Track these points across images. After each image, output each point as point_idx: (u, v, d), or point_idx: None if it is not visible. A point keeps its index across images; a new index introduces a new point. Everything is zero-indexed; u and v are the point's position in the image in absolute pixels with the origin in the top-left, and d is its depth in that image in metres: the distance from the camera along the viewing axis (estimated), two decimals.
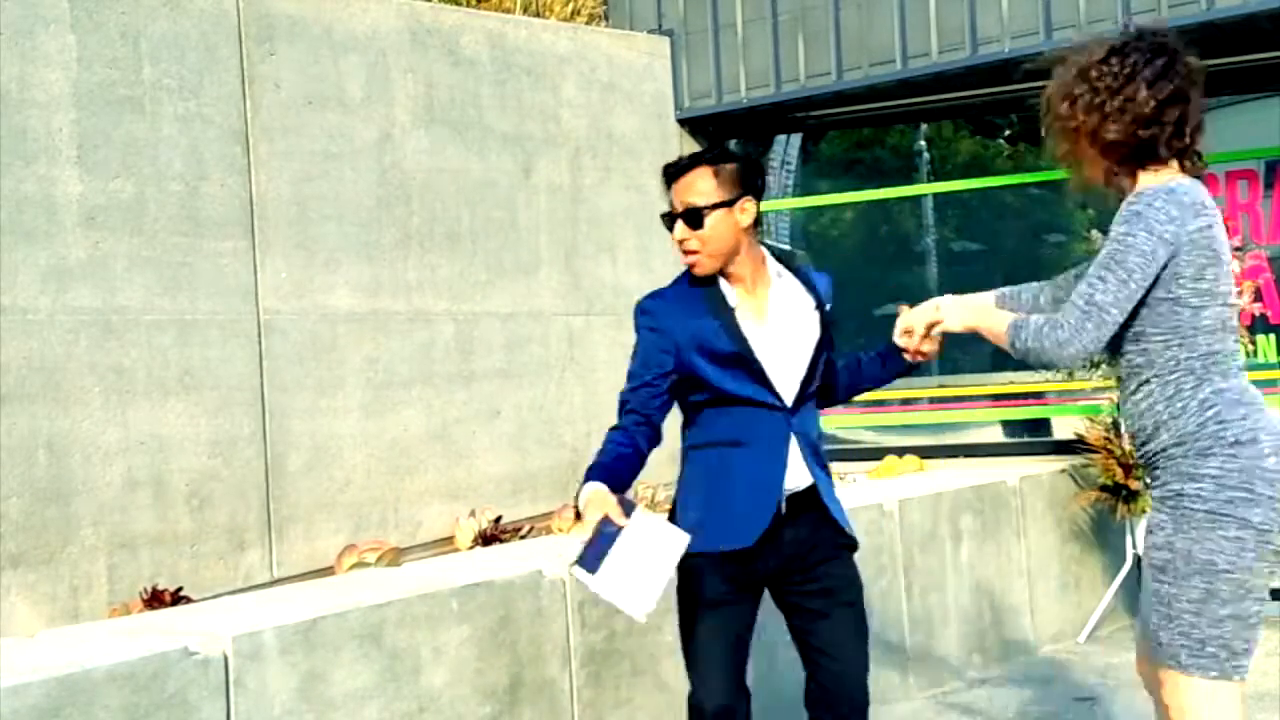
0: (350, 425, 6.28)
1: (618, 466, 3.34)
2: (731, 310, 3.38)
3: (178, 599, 5.25)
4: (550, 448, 7.11)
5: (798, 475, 3.40)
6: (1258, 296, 6.81)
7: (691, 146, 8.12)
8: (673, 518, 3.45)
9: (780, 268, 3.47)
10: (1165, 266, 2.87)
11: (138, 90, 5.66)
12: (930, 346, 3.44)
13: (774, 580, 3.47)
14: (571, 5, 8.21)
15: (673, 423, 3.49)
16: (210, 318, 5.82)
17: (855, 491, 6.47)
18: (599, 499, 3.21)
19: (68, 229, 5.41)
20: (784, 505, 3.39)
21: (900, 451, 7.68)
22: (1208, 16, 6.48)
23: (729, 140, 8.43)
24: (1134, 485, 6.64)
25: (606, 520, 3.15)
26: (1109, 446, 6.75)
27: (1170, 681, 2.94)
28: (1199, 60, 3.09)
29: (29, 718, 3.08)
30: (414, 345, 6.58)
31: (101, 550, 5.41)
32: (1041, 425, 7.99)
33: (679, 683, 4.80)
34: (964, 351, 8.08)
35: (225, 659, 3.52)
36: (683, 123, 8.11)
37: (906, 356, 3.50)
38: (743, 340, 3.36)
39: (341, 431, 6.23)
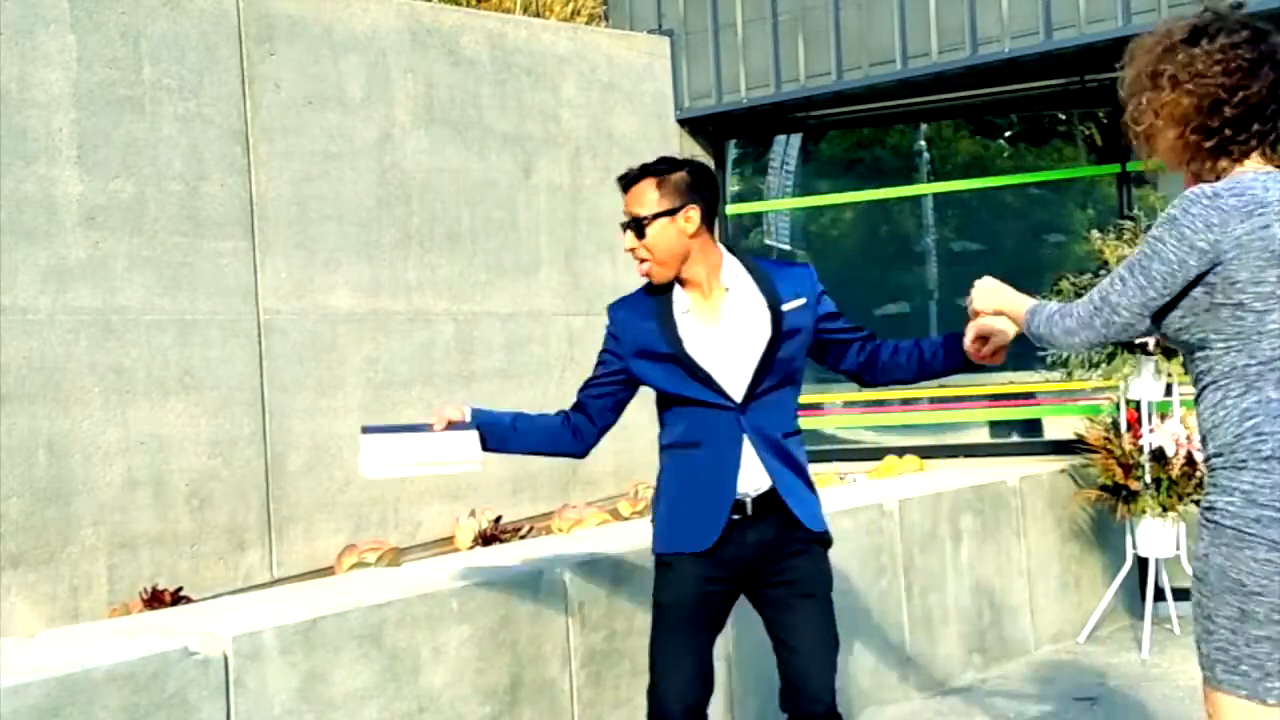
0: (350, 425, 6.27)
1: (517, 420, 3.72)
2: (672, 313, 3.52)
3: (178, 599, 5.25)
4: None
5: (754, 477, 3.48)
6: None
7: (691, 146, 8.14)
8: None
9: (740, 269, 3.54)
10: (1208, 274, 2.72)
11: (138, 90, 5.66)
12: (998, 358, 3.45)
13: (745, 579, 3.54)
14: (571, 5, 8.21)
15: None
16: (210, 318, 5.82)
17: (855, 491, 6.47)
18: (454, 409, 3.62)
19: (68, 229, 5.41)
20: (749, 507, 3.48)
21: (900, 451, 7.68)
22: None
23: (729, 140, 8.44)
24: (1134, 485, 6.64)
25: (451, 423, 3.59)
26: (1109, 446, 6.75)
27: (1206, 693, 2.88)
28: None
29: (29, 718, 3.08)
30: (414, 345, 6.58)
31: (101, 550, 5.41)
32: (1041, 425, 7.99)
33: None
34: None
35: (225, 659, 3.52)
36: (683, 123, 8.11)
37: (972, 357, 3.47)
38: (678, 342, 3.49)
39: (341, 431, 6.23)
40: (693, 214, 3.49)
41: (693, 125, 8.15)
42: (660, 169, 3.53)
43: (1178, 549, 6.68)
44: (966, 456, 7.69)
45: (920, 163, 8.42)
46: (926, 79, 7.54)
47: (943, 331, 3.74)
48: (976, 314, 3.35)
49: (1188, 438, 6.55)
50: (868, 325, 3.78)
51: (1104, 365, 6.57)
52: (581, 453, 3.72)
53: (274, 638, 3.64)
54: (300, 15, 6.25)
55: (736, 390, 3.48)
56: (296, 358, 6.10)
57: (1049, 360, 7.00)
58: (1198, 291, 2.75)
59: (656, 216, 3.48)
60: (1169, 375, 6.57)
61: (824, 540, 3.57)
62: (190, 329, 5.74)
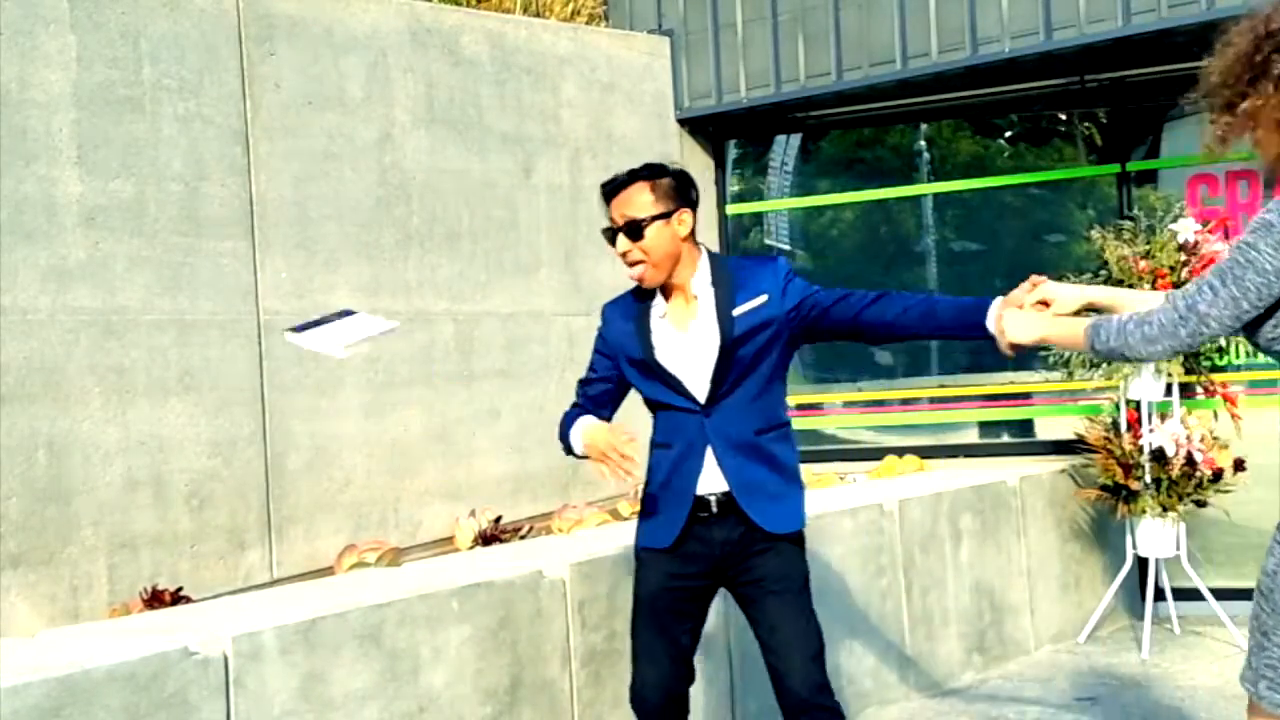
0: (350, 425, 6.28)
1: (586, 410, 3.69)
2: (649, 318, 3.61)
3: (178, 599, 5.25)
4: (550, 448, 7.03)
5: (716, 479, 3.55)
6: None
7: (691, 146, 8.14)
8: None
9: (708, 276, 3.59)
10: None
11: (138, 90, 5.66)
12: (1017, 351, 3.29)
13: (715, 575, 3.62)
14: (571, 5, 8.21)
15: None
16: (210, 318, 5.82)
17: (855, 491, 6.47)
18: (596, 428, 3.55)
19: (68, 229, 5.40)
20: (713, 506, 3.55)
21: (900, 451, 7.68)
22: (1208, 16, 6.47)
23: (729, 140, 8.44)
24: (1134, 485, 6.64)
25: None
26: (1109, 446, 6.75)
27: (1250, 703, 2.86)
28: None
29: (29, 718, 3.08)
30: (414, 345, 6.58)
31: (101, 550, 5.40)
32: (1041, 425, 7.98)
33: None
34: (964, 352, 8.08)
35: (225, 659, 3.52)
36: (683, 123, 8.11)
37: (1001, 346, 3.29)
38: (649, 348, 3.59)
39: (341, 432, 6.23)
40: (685, 218, 3.58)
41: (693, 125, 8.15)
42: (651, 174, 3.58)
43: (1178, 549, 6.68)
44: (966, 456, 7.69)
45: (920, 163, 8.42)
46: (926, 79, 7.54)
47: None
48: (1013, 347, 3.19)
49: (1188, 438, 6.56)
50: None
51: (1104, 365, 6.57)
52: None
53: (274, 638, 3.64)
54: (300, 15, 6.25)
55: (700, 393, 3.55)
56: (296, 358, 6.10)
57: (1049, 360, 7.00)
58: None
59: (654, 219, 3.54)
60: (1169, 375, 6.57)
61: (793, 538, 3.59)
62: (190, 329, 5.74)
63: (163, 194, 5.71)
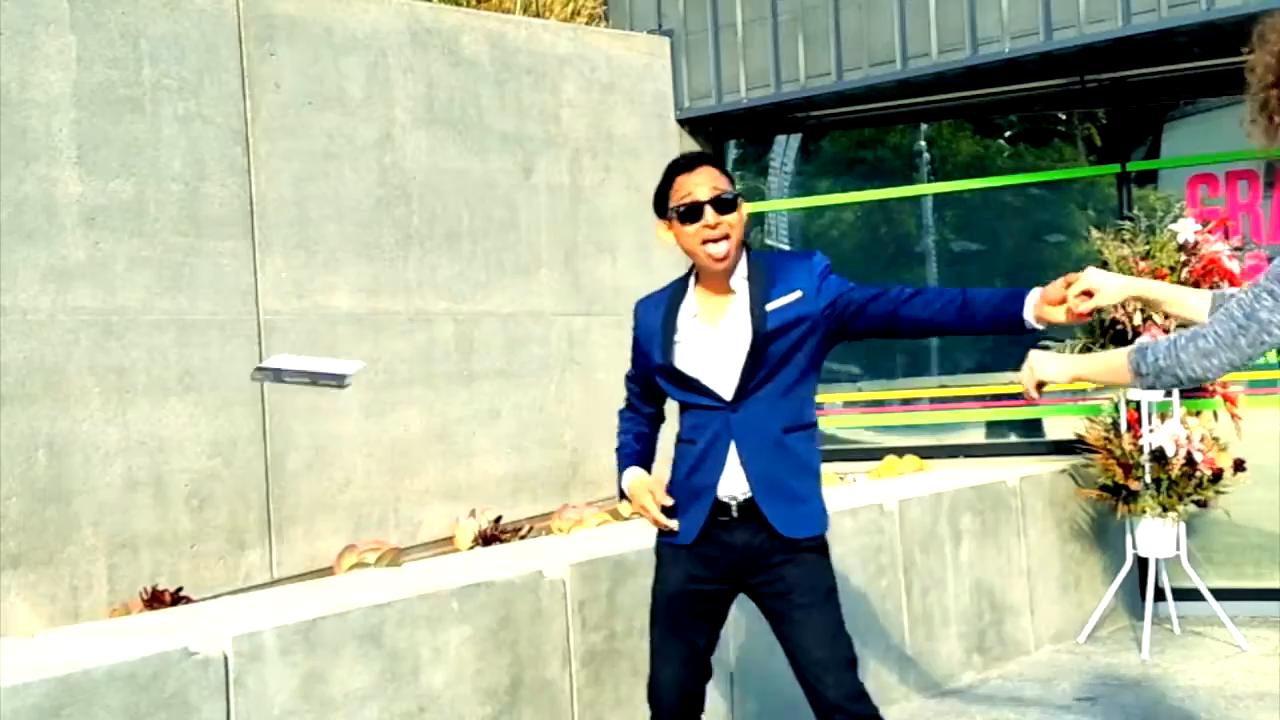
0: (350, 425, 6.28)
1: (640, 446, 3.75)
2: (675, 319, 3.56)
3: (178, 599, 5.25)
4: (550, 448, 7.11)
5: (738, 482, 3.48)
6: None
7: (691, 146, 8.12)
8: None
9: (745, 270, 3.54)
10: None
11: (138, 90, 5.66)
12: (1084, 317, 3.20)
13: (735, 580, 3.55)
14: (571, 5, 8.20)
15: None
16: (210, 318, 5.82)
17: (855, 491, 6.47)
18: (641, 483, 3.62)
19: (68, 229, 5.40)
20: (734, 509, 3.48)
21: (900, 451, 7.67)
22: (1208, 16, 6.47)
23: (729, 140, 8.44)
24: (1134, 485, 6.64)
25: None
26: (1109, 446, 6.75)
27: None
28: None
29: (29, 718, 3.08)
30: (414, 345, 6.58)
31: (101, 550, 5.40)
32: (1041, 425, 7.99)
33: None
34: (964, 352, 8.08)
35: (225, 659, 3.52)
36: (683, 123, 8.10)
37: (1026, 386, 3.20)
38: (669, 354, 3.55)
39: (341, 432, 6.23)
40: (744, 206, 3.57)
41: (693, 125, 8.14)
42: (716, 162, 3.59)
43: (1178, 549, 6.68)
44: (966, 456, 7.69)
45: (920, 163, 8.42)
46: (926, 79, 7.54)
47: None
48: (1041, 387, 3.07)
49: (1188, 438, 6.56)
50: None
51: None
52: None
53: (274, 638, 3.64)
54: (300, 15, 6.25)
55: (726, 390, 3.48)
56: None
57: None
58: None
59: (738, 196, 3.52)
60: None
61: (815, 546, 3.51)
62: (190, 329, 5.74)
63: (163, 194, 5.71)
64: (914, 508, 6.04)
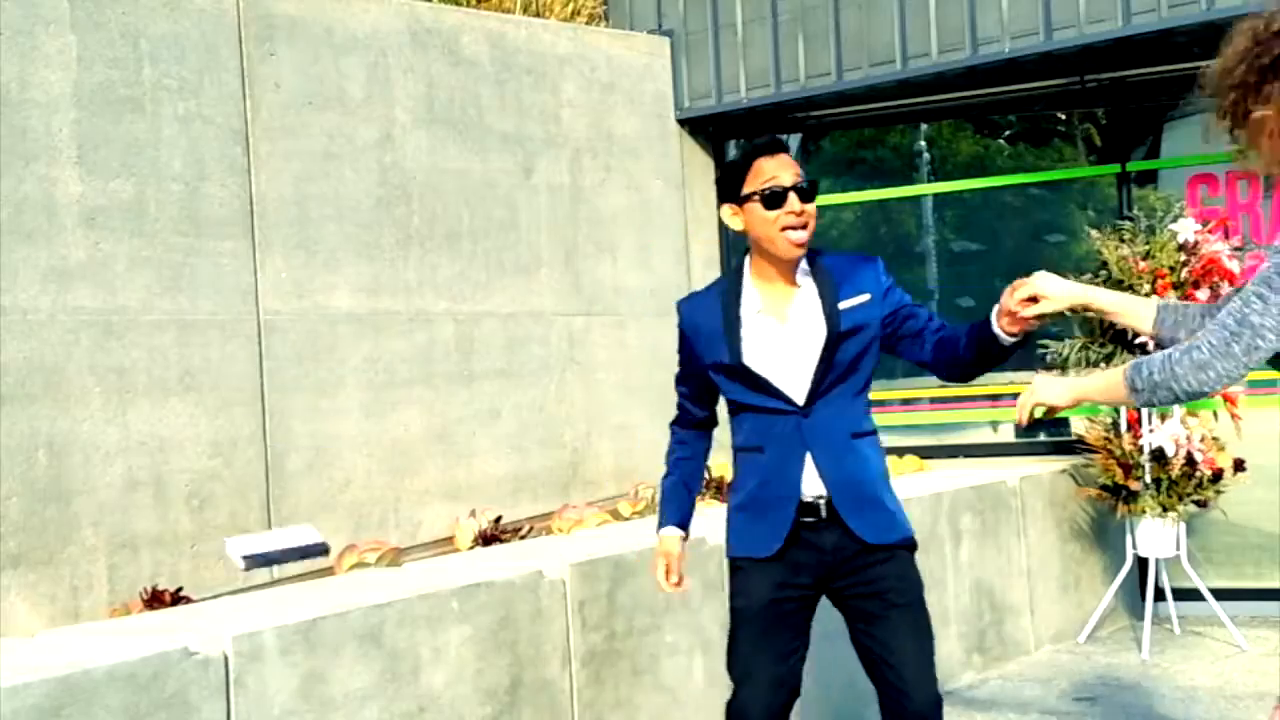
0: (350, 425, 6.28)
1: (687, 493, 3.60)
2: (738, 318, 3.38)
3: (178, 599, 5.25)
4: (550, 448, 7.11)
5: (816, 484, 3.35)
6: None
7: (691, 146, 8.13)
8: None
9: (806, 266, 3.40)
10: None
11: (138, 90, 5.66)
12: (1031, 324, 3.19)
13: (826, 582, 3.41)
14: (571, 5, 8.20)
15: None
16: (210, 318, 5.82)
17: None
18: (668, 549, 3.54)
19: (68, 229, 5.40)
20: (822, 509, 3.34)
21: (900, 451, 7.67)
22: (1208, 16, 6.47)
23: (729, 140, 8.43)
24: (1134, 485, 6.64)
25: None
26: (1109, 446, 6.75)
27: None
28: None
29: (29, 718, 3.08)
30: (414, 345, 6.58)
31: (101, 550, 5.40)
32: (1041, 425, 7.98)
33: (679, 683, 4.82)
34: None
35: (225, 659, 3.52)
36: (683, 123, 8.10)
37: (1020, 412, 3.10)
38: (738, 353, 3.36)
39: (341, 431, 6.23)
40: None
41: (693, 125, 8.14)
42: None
43: (1178, 549, 6.68)
44: (966, 456, 7.69)
45: (920, 163, 8.42)
46: (926, 79, 7.54)
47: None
48: (1052, 410, 3.00)
49: (1187, 438, 6.56)
50: None
51: (1104, 365, 6.57)
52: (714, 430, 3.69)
53: (274, 638, 3.64)
54: (300, 15, 6.25)
55: (799, 393, 3.35)
56: (296, 358, 6.10)
57: (1049, 360, 6.99)
58: None
59: (815, 185, 3.41)
60: None
61: (908, 545, 3.45)
62: (190, 329, 5.74)
63: (163, 194, 5.71)
64: (914, 508, 6.02)
